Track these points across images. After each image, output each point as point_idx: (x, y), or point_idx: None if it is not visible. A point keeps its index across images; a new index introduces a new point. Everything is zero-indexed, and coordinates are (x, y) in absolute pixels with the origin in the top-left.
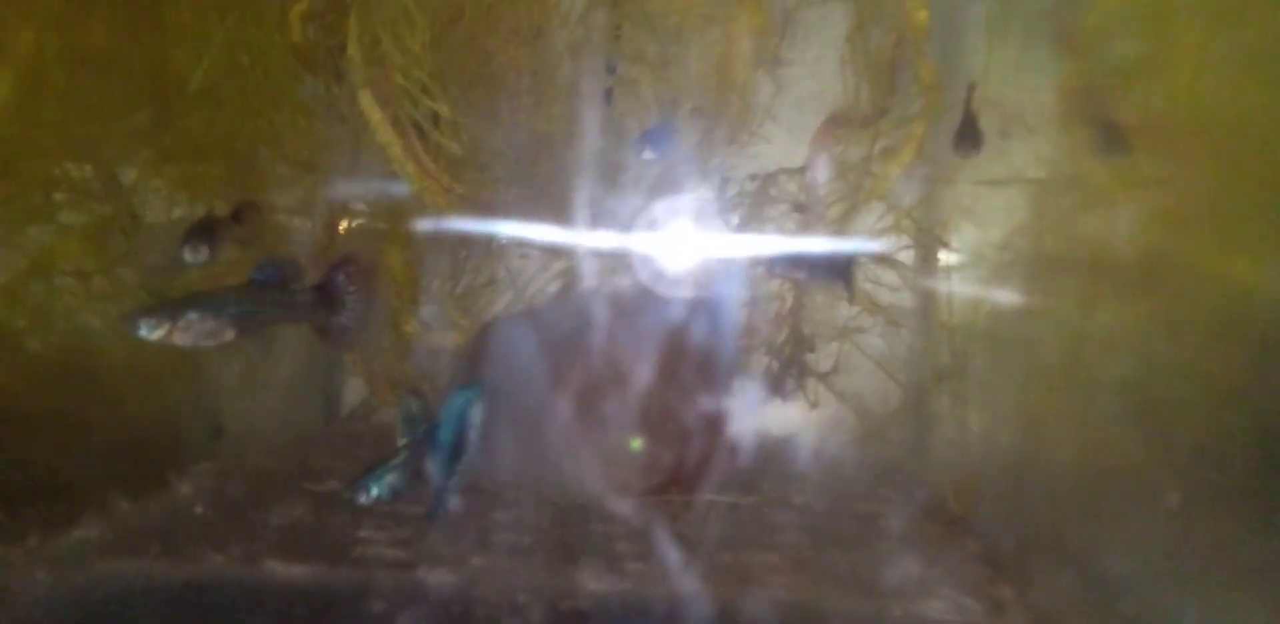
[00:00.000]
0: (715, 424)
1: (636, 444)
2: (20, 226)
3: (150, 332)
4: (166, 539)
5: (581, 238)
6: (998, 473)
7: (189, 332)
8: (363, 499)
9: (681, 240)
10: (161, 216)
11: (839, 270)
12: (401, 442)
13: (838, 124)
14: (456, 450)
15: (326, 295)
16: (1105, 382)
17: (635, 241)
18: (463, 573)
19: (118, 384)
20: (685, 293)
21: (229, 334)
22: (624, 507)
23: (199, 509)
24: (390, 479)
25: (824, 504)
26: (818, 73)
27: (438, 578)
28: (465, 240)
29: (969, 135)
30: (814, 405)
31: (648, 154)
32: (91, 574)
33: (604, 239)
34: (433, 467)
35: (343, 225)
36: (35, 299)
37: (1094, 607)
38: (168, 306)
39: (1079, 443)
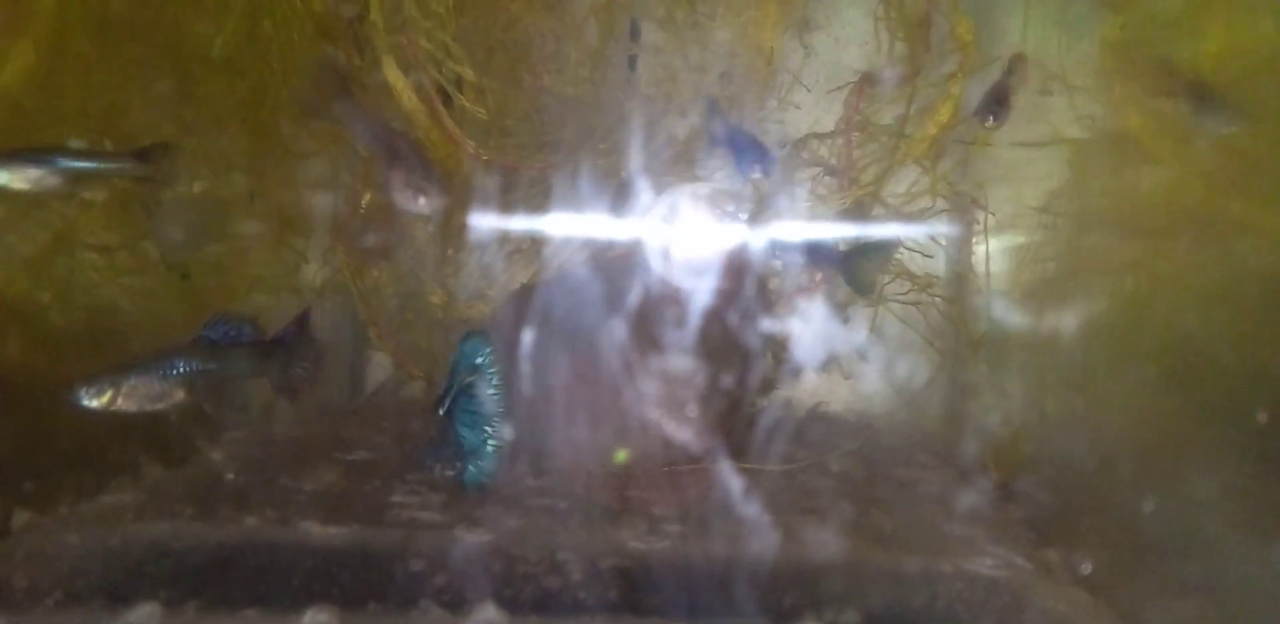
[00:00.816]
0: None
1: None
2: (42, 200)
3: (91, 399)
4: (200, 503)
5: (608, 205)
6: (1041, 439)
7: (133, 397)
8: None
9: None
10: (183, 190)
11: (836, 259)
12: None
13: (871, 84)
14: (484, 409)
15: (279, 350)
16: (1151, 345)
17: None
18: (500, 534)
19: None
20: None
21: (178, 395)
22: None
23: (230, 475)
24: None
25: (862, 471)
26: (848, 36)
27: (476, 537)
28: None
29: (993, 104)
30: (848, 376)
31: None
32: (125, 536)
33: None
34: (464, 428)
35: (365, 198)
36: (59, 273)
37: (1141, 571)
38: (109, 372)
39: (1126, 407)
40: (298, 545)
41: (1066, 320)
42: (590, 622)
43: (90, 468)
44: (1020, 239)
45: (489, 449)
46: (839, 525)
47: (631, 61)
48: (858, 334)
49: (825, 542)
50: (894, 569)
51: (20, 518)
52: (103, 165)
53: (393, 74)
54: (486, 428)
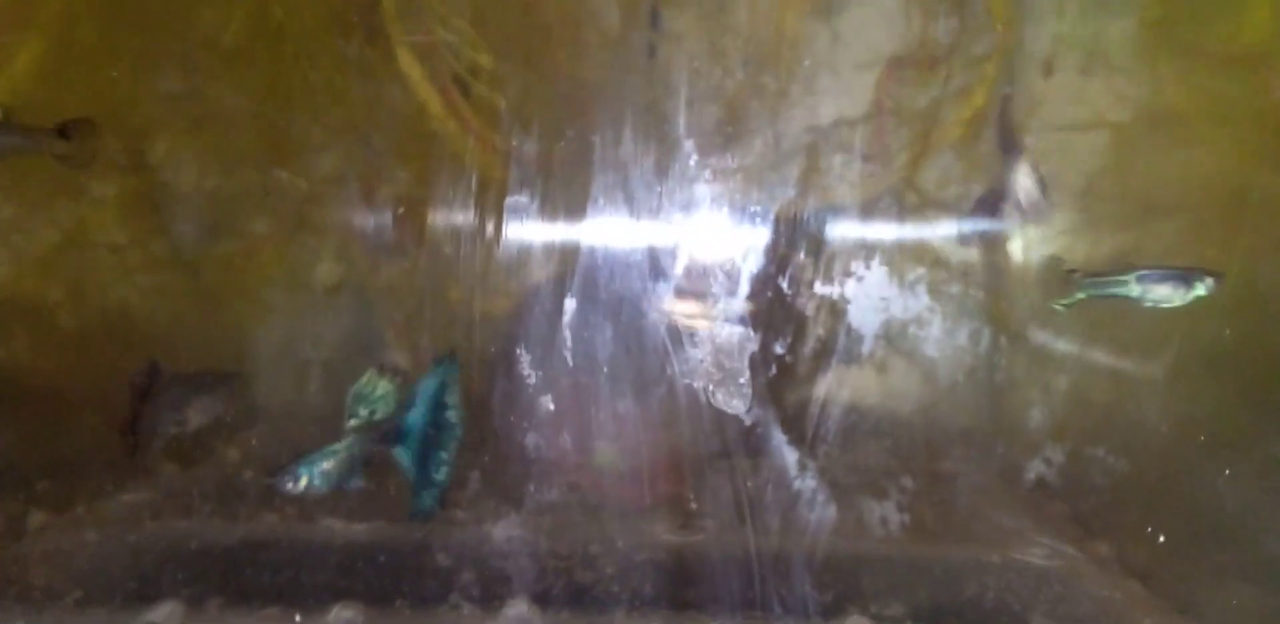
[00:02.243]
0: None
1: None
2: (51, 199)
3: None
4: (218, 501)
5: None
6: (1087, 433)
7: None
8: (289, 487)
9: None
10: (193, 187)
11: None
12: (351, 423)
13: (903, 66)
14: (436, 438)
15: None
16: (1202, 332)
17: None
18: (527, 529)
19: (156, 355)
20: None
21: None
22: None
23: (248, 474)
24: (326, 467)
25: (900, 465)
26: (876, 16)
27: (501, 532)
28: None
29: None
30: (882, 369)
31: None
32: (144, 534)
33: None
34: (404, 457)
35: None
36: (70, 272)
37: (1191, 565)
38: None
39: (1176, 398)
40: (321, 543)
41: (1111, 309)
42: (619, 616)
43: (106, 468)
44: (1061, 224)
45: (441, 477)
46: (878, 518)
47: (651, 49)
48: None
49: (866, 534)
50: (942, 559)
51: (36, 518)
52: (21, 140)
53: (408, 63)
54: (442, 454)
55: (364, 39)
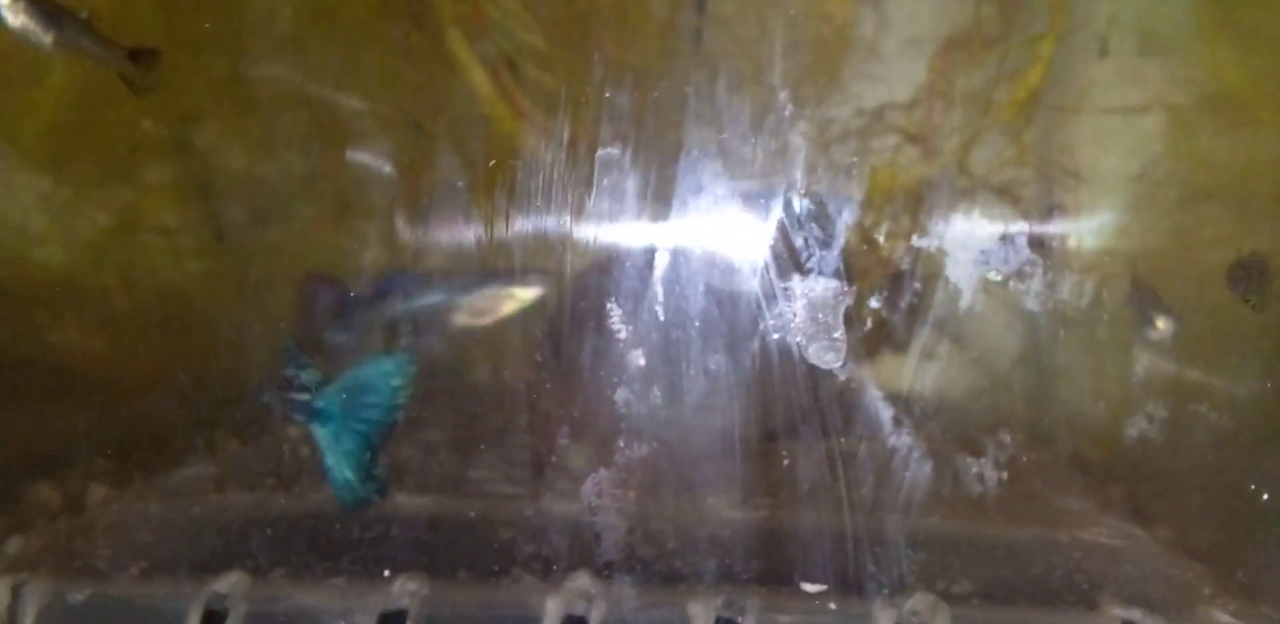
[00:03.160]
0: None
1: None
2: (105, 184)
3: None
4: (280, 475)
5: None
6: (1138, 418)
7: None
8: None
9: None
10: (243, 172)
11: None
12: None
13: (957, 47)
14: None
15: None
16: (1266, 319)
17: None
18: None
19: (207, 338)
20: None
21: None
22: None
23: (307, 450)
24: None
25: (952, 450)
26: (925, 5)
27: (563, 507)
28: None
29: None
30: (929, 356)
31: None
32: (207, 506)
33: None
34: (335, 447)
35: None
36: (122, 256)
37: (1256, 549)
38: None
39: (1237, 384)
40: (383, 515)
41: (1166, 296)
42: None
43: (165, 444)
44: (1116, 209)
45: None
46: (937, 499)
47: (697, 34)
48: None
49: (928, 513)
50: (1008, 538)
51: (96, 493)
52: (95, 46)
53: (458, 45)
54: (374, 444)
55: (413, 24)
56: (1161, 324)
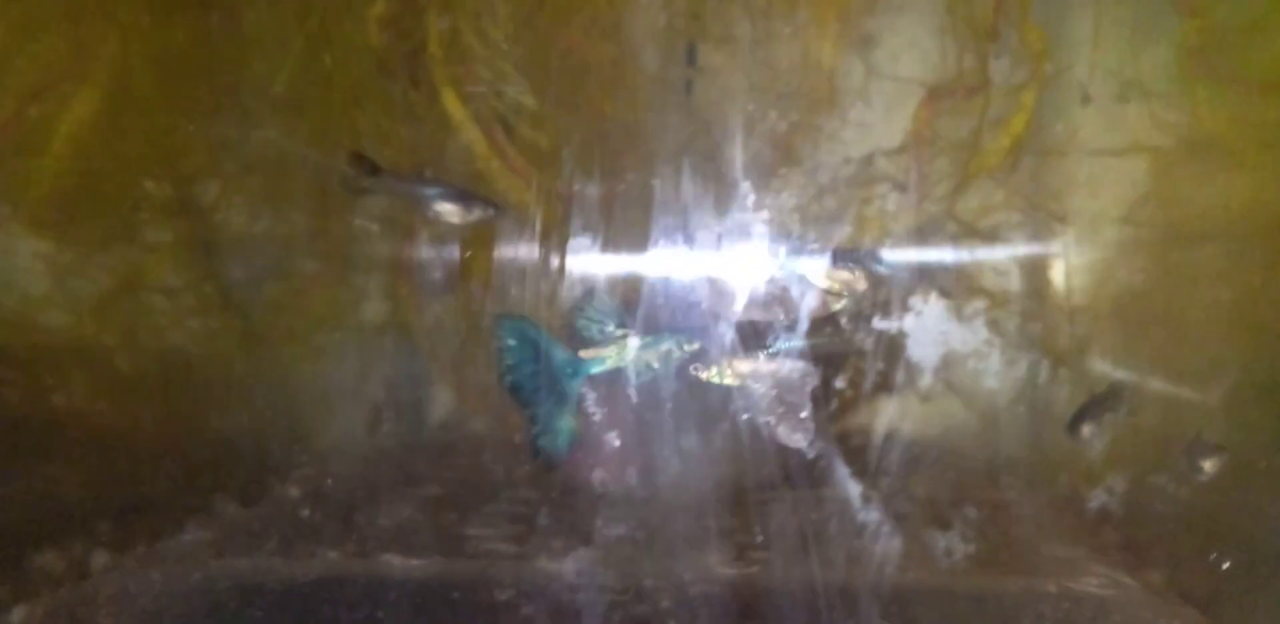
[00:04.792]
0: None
1: None
2: (107, 245)
3: None
4: (279, 539)
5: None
6: (1134, 459)
7: None
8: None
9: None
10: (244, 230)
11: None
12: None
13: (941, 97)
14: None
15: None
16: (1255, 358)
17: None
18: (579, 563)
19: (210, 397)
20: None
21: None
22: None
23: (306, 512)
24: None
25: (948, 494)
26: (912, 49)
27: (556, 567)
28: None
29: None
30: (924, 398)
31: None
32: (208, 572)
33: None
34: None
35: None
36: (124, 316)
37: (1250, 594)
38: None
39: (1227, 423)
40: (379, 579)
41: (1155, 335)
42: None
43: (167, 508)
44: (1102, 251)
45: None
46: (929, 549)
47: (688, 85)
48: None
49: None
50: (996, 590)
51: (99, 559)
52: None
53: (452, 104)
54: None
55: (409, 83)
56: (1209, 465)
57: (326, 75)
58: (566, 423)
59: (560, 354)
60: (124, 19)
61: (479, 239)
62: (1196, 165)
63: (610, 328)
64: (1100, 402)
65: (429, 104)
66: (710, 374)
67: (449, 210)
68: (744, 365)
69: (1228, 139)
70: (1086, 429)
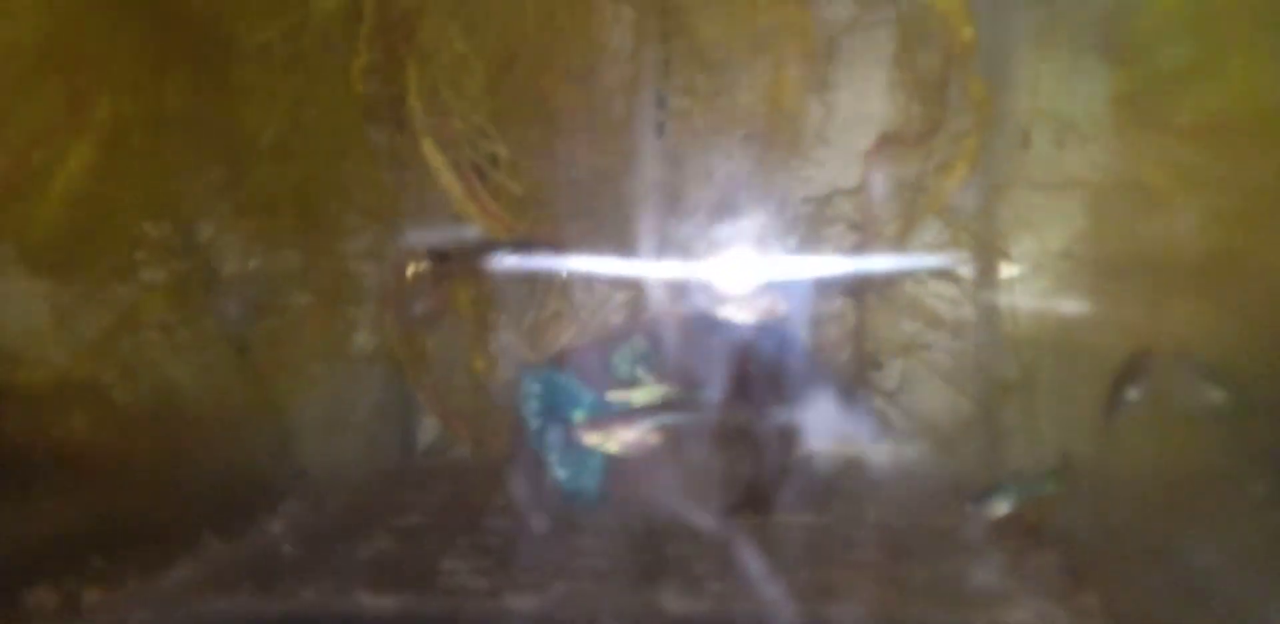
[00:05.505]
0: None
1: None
2: (106, 284)
3: None
4: (260, 576)
5: (643, 268)
6: (1072, 482)
7: None
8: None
9: (740, 265)
10: (238, 268)
11: None
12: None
13: (890, 143)
14: None
15: None
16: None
17: (696, 268)
18: (547, 598)
19: (204, 430)
20: (748, 316)
21: None
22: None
23: (288, 546)
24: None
25: (901, 520)
26: (866, 95)
27: (524, 603)
28: (531, 276)
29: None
30: (885, 423)
31: None
32: (191, 611)
33: (666, 268)
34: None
35: (410, 269)
36: (123, 353)
37: (1182, 611)
38: None
39: (1157, 447)
40: (353, 617)
41: (1091, 363)
42: None
43: (157, 543)
44: (1044, 284)
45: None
46: (872, 579)
47: (660, 128)
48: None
49: (858, 598)
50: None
51: (91, 596)
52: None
53: (430, 152)
54: None
55: (393, 131)
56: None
57: (314, 124)
58: (595, 463)
59: (588, 398)
60: (117, 76)
61: (462, 273)
62: (1129, 205)
63: (643, 371)
64: (1012, 482)
65: (412, 149)
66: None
67: (517, 263)
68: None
69: (1157, 181)
70: (996, 506)
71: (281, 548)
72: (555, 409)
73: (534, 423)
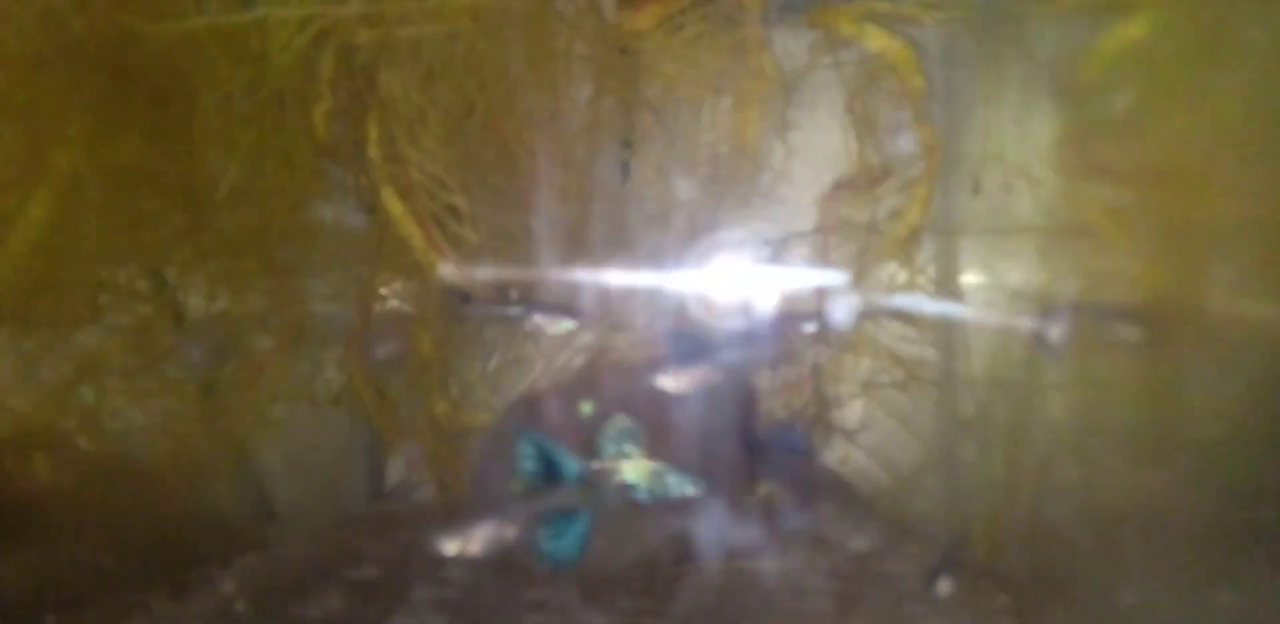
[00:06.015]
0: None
1: None
2: (67, 333)
3: None
4: None
5: (604, 311)
6: (1017, 522)
7: None
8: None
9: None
10: (202, 312)
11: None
12: None
13: (844, 188)
14: None
15: None
16: (1121, 425)
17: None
18: None
19: (164, 477)
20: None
21: None
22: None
23: (240, 605)
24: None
25: (852, 566)
26: (825, 135)
27: None
28: (491, 320)
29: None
30: (843, 462)
31: None
32: None
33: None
34: None
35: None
36: (83, 401)
37: None
38: None
39: (1093, 487)
40: None
41: (1036, 402)
42: None
43: (107, 601)
44: (999, 322)
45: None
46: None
47: (624, 168)
48: None
49: None
50: None
51: None
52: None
53: (390, 201)
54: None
55: (358, 172)
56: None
57: (275, 169)
58: (578, 530)
59: (573, 467)
60: (75, 128)
61: (424, 317)
62: (1074, 246)
63: (628, 447)
64: (952, 556)
65: (376, 193)
66: None
67: (539, 323)
68: None
69: (1099, 223)
70: (944, 584)
71: (233, 607)
72: (541, 475)
73: (522, 487)
